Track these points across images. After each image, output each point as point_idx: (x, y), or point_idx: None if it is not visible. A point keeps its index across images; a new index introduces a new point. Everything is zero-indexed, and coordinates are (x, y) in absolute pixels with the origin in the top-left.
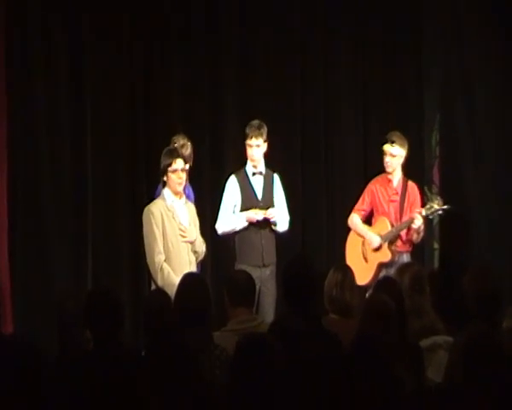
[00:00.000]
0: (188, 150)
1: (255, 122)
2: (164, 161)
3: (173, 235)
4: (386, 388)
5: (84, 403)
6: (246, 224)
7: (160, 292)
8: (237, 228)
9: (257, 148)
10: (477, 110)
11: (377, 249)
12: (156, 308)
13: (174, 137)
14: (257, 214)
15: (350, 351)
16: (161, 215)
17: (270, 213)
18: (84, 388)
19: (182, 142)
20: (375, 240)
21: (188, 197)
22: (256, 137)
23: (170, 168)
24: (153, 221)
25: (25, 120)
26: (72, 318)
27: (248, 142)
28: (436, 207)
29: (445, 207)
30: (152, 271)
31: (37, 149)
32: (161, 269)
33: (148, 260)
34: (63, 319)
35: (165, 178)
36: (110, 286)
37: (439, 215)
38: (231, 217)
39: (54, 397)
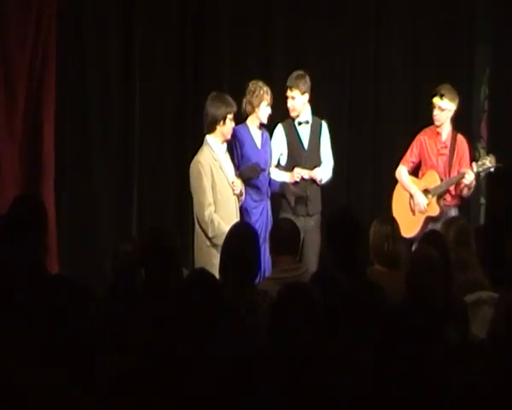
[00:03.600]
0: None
1: (295, 73)
2: (222, 108)
3: (222, 185)
4: (433, 346)
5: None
6: (287, 179)
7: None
8: (277, 180)
9: (292, 100)
10: None
11: (421, 211)
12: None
13: (252, 82)
14: (299, 174)
15: (399, 307)
16: (210, 166)
17: (316, 175)
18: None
19: (265, 87)
20: (422, 202)
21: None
22: (291, 88)
23: (229, 115)
24: (202, 173)
25: (74, 64)
26: (128, 258)
27: (286, 93)
28: (488, 164)
29: (498, 164)
30: (202, 222)
31: (86, 101)
32: (212, 221)
33: (198, 211)
34: (118, 262)
35: (219, 125)
36: (167, 230)
37: (490, 172)
38: (277, 171)
39: (104, 333)
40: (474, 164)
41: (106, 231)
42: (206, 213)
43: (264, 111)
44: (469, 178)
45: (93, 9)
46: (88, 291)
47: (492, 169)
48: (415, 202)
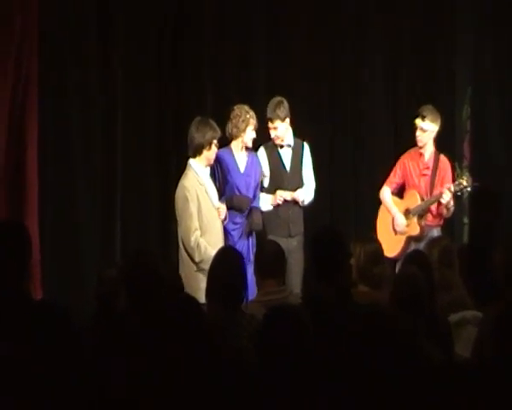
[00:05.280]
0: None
1: (272, 102)
2: (208, 133)
3: (207, 209)
4: (413, 363)
5: (117, 363)
6: (270, 207)
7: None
8: (262, 209)
9: (274, 130)
10: (509, 85)
11: (401, 232)
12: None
13: (237, 107)
14: (282, 196)
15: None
16: (196, 191)
17: (298, 196)
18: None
19: (251, 112)
20: (401, 223)
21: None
22: (272, 120)
23: (215, 141)
24: (189, 198)
25: (54, 81)
26: (111, 287)
27: (268, 124)
28: (465, 183)
29: (474, 184)
30: (188, 247)
31: (67, 114)
32: (198, 245)
33: (184, 236)
34: (102, 288)
35: (205, 150)
36: (149, 251)
37: (468, 192)
38: (260, 197)
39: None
40: (451, 184)
41: (90, 257)
42: (193, 238)
43: (249, 135)
44: (446, 197)
45: (72, 35)
46: (69, 319)
47: (469, 189)
48: (394, 222)
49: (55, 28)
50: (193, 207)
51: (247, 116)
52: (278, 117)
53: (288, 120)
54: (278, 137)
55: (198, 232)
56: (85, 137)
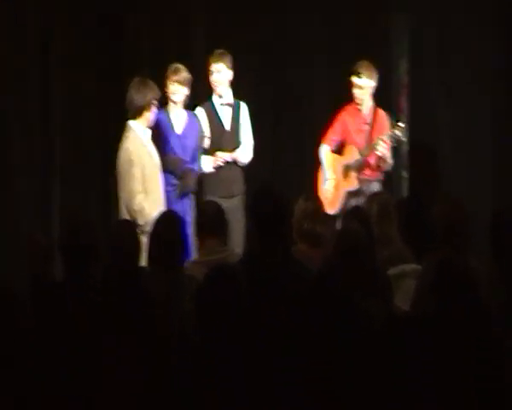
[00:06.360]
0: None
1: (218, 50)
2: (148, 94)
3: (151, 171)
4: (354, 319)
5: (55, 335)
6: (211, 169)
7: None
8: (202, 170)
9: (217, 73)
10: (448, 40)
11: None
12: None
13: (174, 65)
14: (222, 158)
15: (316, 281)
16: (139, 153)
17: (238, 156)
18: (56, 320)
19: (173, 66)
20: (328, 184)
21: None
22: (216, 61)
23: (154, 101)
24: (133, 160)
25: None
26: (42, 250)
27: (210, 68)
28: (397, 132)
29: (400, 124)
30: (131, 211)
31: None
32: (143, 209)
33: (127, 199)
34: (33, 251)
35: (146, 111)
36: (86, 218)
37: (402, 142)
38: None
39: (27, 331)
40: (383, 135)
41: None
42: (137, 201)
43: (171, 89)
44: (380, 148)
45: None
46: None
47: (402, 138)
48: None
49: None
50: (137, 170)
51: (168, 71)
52: (224, 61)
53: (231, 73)
54: (220, 83)
55: (141, 196)
56: (22, 101)
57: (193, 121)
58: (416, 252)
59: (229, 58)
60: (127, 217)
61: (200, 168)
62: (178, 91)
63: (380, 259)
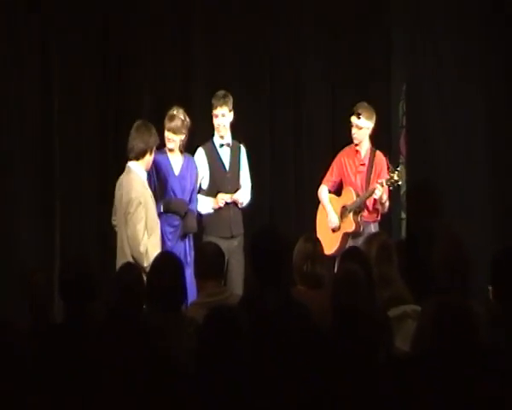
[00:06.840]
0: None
1: (220, 92)
2: (151, 139)
3: (152, 214)
4: (361, 359)
5: (55, 375)
6: (211, 210)
7: (132, 266)
8: (202, 212)
9: (222, 117)
10: (445, 83)
11: (334, 230)
12: (127, 282)
13: (175, 108)
14: (223, 199)
15: (329, 323)
16: (144, 195)
17: (238, 198)
18: (55, 360)
19: (171, 111)
20: (333, 221)
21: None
22: (221, 106)
23: (155, 147)
24: (142, 202)
25: None
26: (42, 290)
27: (214, 111)
28: (395, 177)
29: (396, 168)
30: (136, 253)
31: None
32: (147, 251)
33: (133, 241)
34: (33, 292)
35: (148, 155)
36: (84, 257)
37: (399, 186)
38: (200, 199)
39: (26, 369)
40: (382, 179)
41: (29, 256)
42: (142, 243)
43: (166, 136)
44: (378, 192)
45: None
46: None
47: (400, 183)
48: (328, 220)
49: None
50: (143, 212)
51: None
52: (226, 104)
53: (232, 114)
54: (224, 127)
55: (146, 238)
56: (24, 140)
57: (189, 163)
58: (417, 293)
59: (231, 100)
60: (127, 251)
61: (197, 209)
62: (172, 139)
63: (380, 300)
